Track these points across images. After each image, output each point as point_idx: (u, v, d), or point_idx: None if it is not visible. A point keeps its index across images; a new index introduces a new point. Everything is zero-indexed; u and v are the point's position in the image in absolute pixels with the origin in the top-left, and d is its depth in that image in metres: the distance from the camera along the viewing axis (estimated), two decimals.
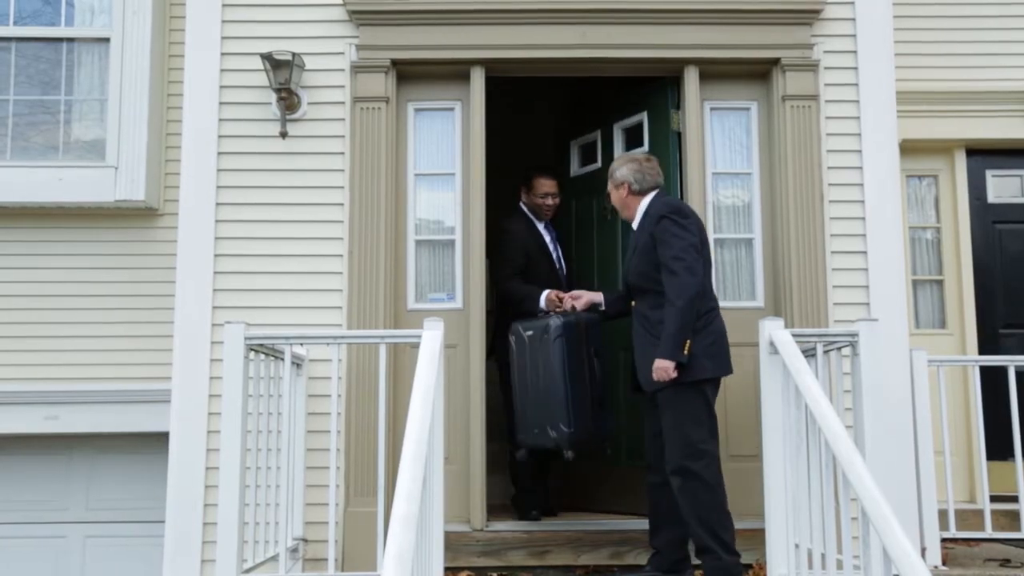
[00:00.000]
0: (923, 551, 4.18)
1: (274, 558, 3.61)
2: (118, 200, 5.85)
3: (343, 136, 4.74)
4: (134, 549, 6.01)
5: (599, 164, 5.28)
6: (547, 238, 5.06)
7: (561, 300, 4.53)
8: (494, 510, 4.72)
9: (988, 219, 6.23)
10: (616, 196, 4.16)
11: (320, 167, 4.72)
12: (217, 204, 4.64)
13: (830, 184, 4.74)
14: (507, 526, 4.58)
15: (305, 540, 4.24)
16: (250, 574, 3.44)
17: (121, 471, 6.15)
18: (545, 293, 4.66)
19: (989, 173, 6.27)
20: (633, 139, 5.16)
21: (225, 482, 3.40)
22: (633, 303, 4.02)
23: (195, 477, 4.35)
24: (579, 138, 5.52)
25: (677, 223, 3.90)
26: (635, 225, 4.08)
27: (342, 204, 4.69)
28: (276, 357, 3.78)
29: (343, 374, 4.45)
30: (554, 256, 5.06)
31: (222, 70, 4.75)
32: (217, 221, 4.63)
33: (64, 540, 6.15)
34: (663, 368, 3.75)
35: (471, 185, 4.84)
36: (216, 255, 4.60)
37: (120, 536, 6.09)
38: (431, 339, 3.29)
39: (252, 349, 3.53)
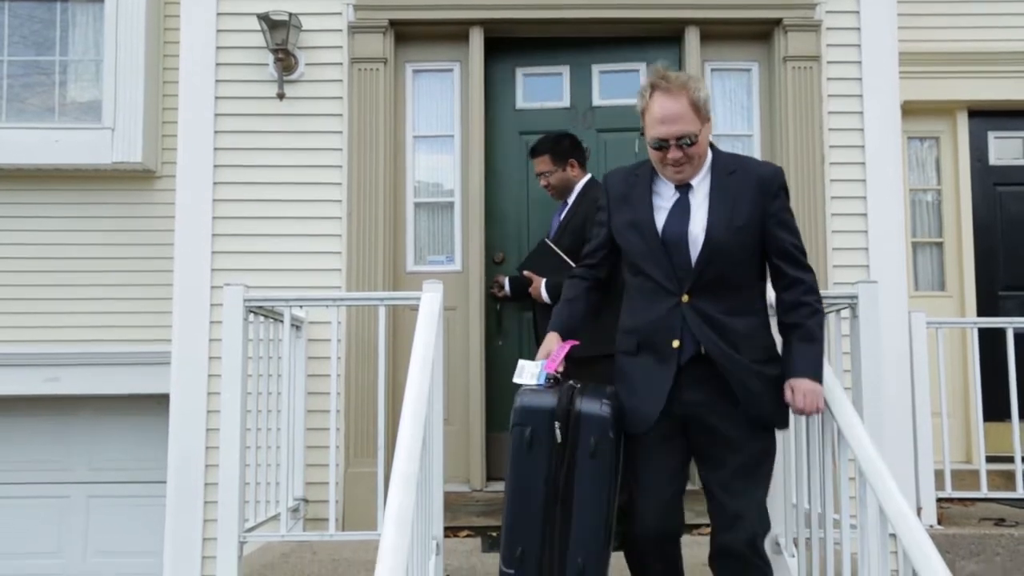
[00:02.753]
0: (919, 511, 4.22)
1: (275, 518, 3.64)
2: (115, 162, 5.83)
3: (341, 98, 4.70)
4: (136, 509, 6.07)
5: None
6: (554, 218, 4.52)
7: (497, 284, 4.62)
8: (494, 470, 4.74)
9: (989, 181, 6.21)
10: (700, 130, 2.72)
11: (318, 129, 4.69)
12: (215, 166, 4.62)
13: (831, 146, 4.71)
14: None
15: (306, 500, 4.27)
16: (252, 533, 3.47)
17: (122, 432, 6.19)
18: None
19: (991, 135, 6.23)
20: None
21: (226, 443, 3.41)
22: (685, 298, 2.68)
23: (196, 438, 4.37)
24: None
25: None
26: (698, 180, 2.77)
27: (340, 166, 4.67)
28: (275, 319, 3.78)
29: (342, 336, 4.45)
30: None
31: (218, 31, 4.70)
32: (215, 183, 4.61)
33: (68, 500, 6.21)
34: (816, 392, 2.70)
35: (470, 147, 4.82)
36: (214, 217, 4.58)
37: (123, 496, 6.15)
38: (430, 301, 3.29)
39: (251, 311, 3.52)
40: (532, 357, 4.66)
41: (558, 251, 4.23)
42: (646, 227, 2.74)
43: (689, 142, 2.68)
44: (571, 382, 2.72)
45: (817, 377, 2.71)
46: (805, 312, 2.73)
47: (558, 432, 2.64)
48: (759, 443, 2.72)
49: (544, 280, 4.22)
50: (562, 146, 4.36)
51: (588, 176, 4.38)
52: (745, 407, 2.68)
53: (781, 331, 2.79)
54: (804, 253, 2.79)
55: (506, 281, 4.62)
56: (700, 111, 2.70)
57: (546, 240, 4.35)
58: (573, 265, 4.10)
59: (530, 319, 4.70)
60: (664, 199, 2.79)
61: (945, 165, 6.21)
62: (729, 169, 2.78)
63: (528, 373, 2.76)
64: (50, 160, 5.88)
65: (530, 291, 4.31)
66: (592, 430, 2.63)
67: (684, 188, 2.77)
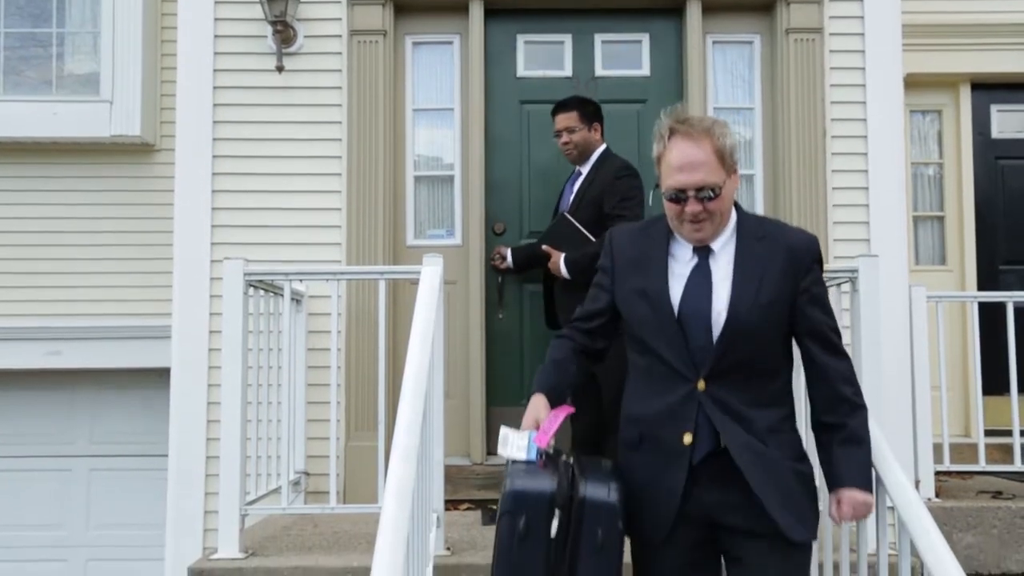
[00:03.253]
0: (917, 484, 4.23)
1: (276, 491, 3.66)
2: (114, 135, 5.82)
3: (340, 70, 4.68)
4: (138, 481, 6.11)
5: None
6: (565, 189, 4.44)
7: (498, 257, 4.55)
8: (494, 444, 4.76)
9: (991, 155, 6.19)
10: (724, 182, 2.33)
11: (317, 102, 4.66)
12: (214, 139, 4.60)
13: (833, 119, 4.69)
14: None
15: (307, 473, 4.29)
16: (253, 506, 3.49)
17: (124, 406, 6.21)
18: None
19: (994, 108, 6.20)
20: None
21: (227, 416, 3.42)
22: (702, 385, 2.29)
23: (197, 412, 4.39)
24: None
25: None
26: (721, 243, 2.37)
27: (340, 139, 4.65)
28: (275, 293, 3.78)
29: (343, 310, 4.46)
30: (558, 209, 4.46)
31: (216, 2, 4.66)
32: (214, 157, 4.59)
33: (70, 473, 6.25)
34: (868, 504, 2.35)
35: (470, 120, 4.79)
36: (214, 191, 4.57)
37: (124, 469, 6.19)
38: (430, 275, 3.28)
39: (251, 285, 3.52)
40: (533, 331, 4.75)
41: (578, 225, 4.17)
42: (659, 299, 2.32)
43: (711, 195, 2.27)
44: (565, 457, 2.29)
45: (868, 487, 2.33)
46: (845, 409, 2.33)
47: (555, 523, 2.19)
48: (793, 559, 2.31)
49: (563, 255, 4.15)
50: (590, 107, 4.31)
51: (605, 145, 4.33)
52: (773, 512, 2.24)
53: (817, 429, 2.40)
54: (839, 335, 2.40)
55: (508, 252, 4.58)
56: (725, 160, 2.30)
57: (566, 214, 4.26)
58: (592, 239, 4.10)
59: (534, 293, 4.69)
60: (681, 263, 2.37)
61: (947, 138, 6.18)
62: (757, 235, 2.36)
63: (514, 445, 2.28)
64: (48, 133, 5.86)
65: (549, 266, 4.23)
66: (599, 520, 2.20)
67: (704, 252, 2.35)
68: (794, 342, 2.40)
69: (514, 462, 2.25)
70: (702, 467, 2.28)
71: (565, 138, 4.28)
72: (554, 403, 2.38)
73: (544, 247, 4.23)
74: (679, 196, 2.28)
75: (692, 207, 2.27)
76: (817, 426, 2.39)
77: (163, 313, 4.91)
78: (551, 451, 2.26)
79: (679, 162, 2.28)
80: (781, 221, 2.62)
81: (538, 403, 2.38)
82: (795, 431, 2.38)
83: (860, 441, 2.33)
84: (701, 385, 2.28)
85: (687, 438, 2.27)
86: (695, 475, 2.28)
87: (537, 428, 2.30)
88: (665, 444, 2.30)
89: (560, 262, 4.14)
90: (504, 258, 4.58)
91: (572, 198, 4.29)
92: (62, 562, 6.18)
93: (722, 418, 2.26)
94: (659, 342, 2.32)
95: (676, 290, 2.33)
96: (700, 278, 2.33)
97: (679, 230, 2.35)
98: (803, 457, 2.36)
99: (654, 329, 2.33)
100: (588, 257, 4.02)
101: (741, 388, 2.28)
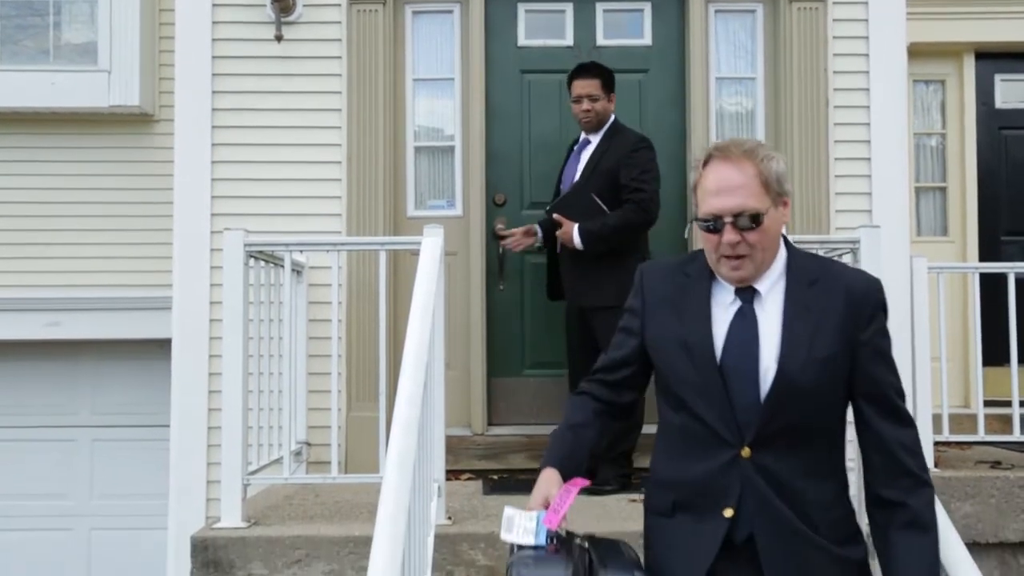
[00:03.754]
0: None
1: (278, 461, 3.67)
2: (112, 105, 5.79)
3: (340, 40, 4.64)
4: (141, 452, 6.14)
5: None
6: (571, 157, 4.35)
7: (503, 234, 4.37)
8: (495, 414, 4.77)
9: (994, 125, 6.16)
10: (767, 210, 1.98)
11: (317, 71, 4.63)
12: (213, 110, 4.57)
13: (835, 89, 4.66)
14: (507, 430, 4.65)
15: (308, 444, 4.31)
16: (255, 476, 3.51)
17: (125, 376, 6.23)
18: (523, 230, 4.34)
19: (998, 77, 6.16)
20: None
21: (228, 387, 3.43)
22: (746, 452, 1.97)
23: (198, 383, 4.40)
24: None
25: None
26: (768, 285, 2.04)
27: (340, 110, 4.62)
28: (276, 264, 3.78)
29: (343, 281, 4.45)
30: (563, 183, 4.36)
31: None
32: (214, 127, 4.56)
33: (73, 443, 6.29)
34: None
35: (471, 90, 4.77)
36: (213, 161, 4.55)
37: (127, 440, 6.22)
38: (431, 246, 3.28)
39: (252, 256, 3.51)
40: (534, 302, 4.75)
41: (596, 199, 4.06)
42: (700, 348, 2.00)
43: (751, 223, 1.94)
44: (579, 540, 1.97)
45: None
46: (907, 484, 1.97)
47: None
48: None
49: (576, 224, 4.04)
50: (610, 75, 4.25)
51: (614, 115, 4.29)
52: None
53: (872, 505, 2.04)
54: (904, 397, 2.05)
55: (538, 229, 4.33)
56: (770, 187, 1.97)
57: (592, 195, 4.10)
58: (607, 210, 4.04)
59: (535, 264, 4.69)
60: (721, 308, 2.04)
61: (950, 109, 6.15)
62: (810, 277, 2.02)
63: (520, 528, 1.95)
64: (46, 103, 5.83)
65: (559, 235, 4.13)
66: None
67: (748, 293, 2.02)
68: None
69: (520, 547, 1.93)
70: (743, 546, 1.97)
71: (587, 105, 4.18)
72: (567, 476, 2.04)
73: (555, 216, 4.14)
74: (714, 224, 1.97)
75: (729, 236, 1.95)
76: (873, 502, 2.03)
77: (164, 284, 4.91)
78: (563, 533, 1.95)
79: (715, 185, 1.98)
80: (837, 261, 2.29)
81: (548, 479, 2.03)
82: (850, 505, 2.06)
83: (925, 528, 1.96)
84: (746, 452, 1.96)
85: (728, 512, 1.97)
86: (733, 554, 1.97)
87: (546, 507, 1.96)
88: (703, 514, 1.99)
89: (574, 231, 4.05)
90: (535, 233, 4.34)
91: (582, 167, 4.22)
92: (66, 531, 6.23)
93: (767, 491, 1.95)
94: (698, 400, 2.01)
95: (718, 339, 2.01)
96: (744, 326, 2.01)
97: (717, 268, 2.03)
98: (856, 536, 2.04)
99: (693, 384, 2.01)
100: (607, 228, 4.01)
101: (792, 455, 1.97)
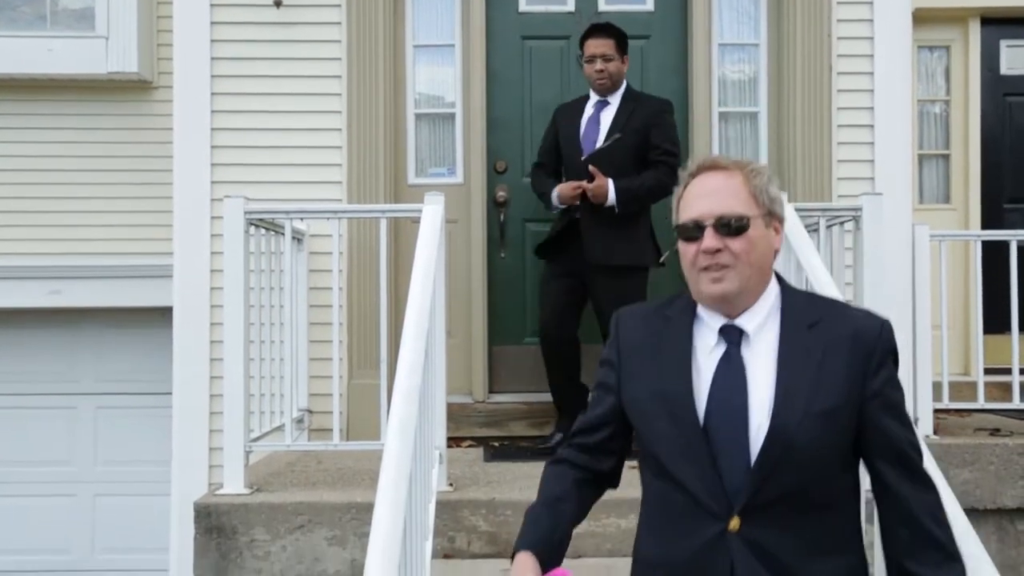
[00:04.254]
0: (915, 421, 4.27)
1: (280, 428, 3.69)
2: (111, 72, 5.75)
3: (339, 6, 4.59)
4: (144, 419, 6.17)
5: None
6: (587, 118, 4.19)
7: (578, 195, 3.97)
8: (496, 382, 4.79)
9: (999, 91, 6.11)
10: (752, 219, 1.76)
11: (316, 38, 4.59)
12: (212, 76, 4.54)
13: (839, 55, 4.63)
14: (508, 398, 4.66)
15: (310, 411, 4.33)
16: (257, 443, 3.52)
17: (127, 344, 6.25)
18: (556, 190, 4.09)
19: (1003, 43, 6.10)
20: None
21: (229, 355, 3.44)
22: (735, 523, 1.69)
23: (200, 350, 4.41)
24: None
25: None
26: (757, 323, 1.78)
27: (340, 76, 4.59)
28: (276, 232, 3.77)
29: (344, 249, 4.45)
30: (582, 144, 4.15)
31: None
32: (213, 94, 4.54)
33: (75, 411, 6.31)
34: None
35: (471, 56, 4.73)
36: (213, 129, 4.53)
37: (130, 407, 6.24)
38: (432, 213, 3.27)
39: (252, 223, 3.51)
40: (535, 270, 4.74)
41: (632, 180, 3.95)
42: (680, 402, 1.74)
43: (734, 227, 1.71)
44: None
45: None
46: (937, 559, 1.70)
47: None
48: None
49: (610, 179, 3.93)
50: (624, 36, 4.16)
51: (626, 80, 4.26)
52: None
53: None
54: (921, 454, 1.77)
55: (610, 185, 3.95)
56: (758, 199, 1.75)
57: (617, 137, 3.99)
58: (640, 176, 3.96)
59: (535, 232, 4.67)
60: (705, 354, 1.78)
61: (955, 75, 6.09)
62: (809, 319, 1.76)
63: None
64: (44, 70, 5.79)
65: (591, 188, 3.91)
66: None
67: (733, 334, 1.76)
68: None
69: None
70: None
71: (600, 65, 4.10)
72: (546, 562, 1.76)
73: (591, 167, 3.93)
74: (694, 231, 1.74)
75: (709, 242, 1.71)
76: (896, 569, 1.75)
77: (165, 252, 4.90)
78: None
79: (700, 190, 1.77)
80: (839, 300, 2.02)
81: (524, 564, 1.75)
82: None
83: None
84: (735, 524, 1.68)
85: None
86: None
87: None
88: None
89: (609, 187, 3.92)
90: (604, 194, 3.94)
91: (607, 128, 4.12)
92: (71, 497, 6.27)
93: (760, 572, 1.66)
94: (679, 463, 1.73)
95: (701, 390, 1.74)
96: (730, 373, 1.74)
97: (696, 288, 1.77)
98: None
99: (673, 445, 1.74)
100: (643, 189, 3.97)
101: (791, 529, 1.68)
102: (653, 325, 1.85)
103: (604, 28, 4.16)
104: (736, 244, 1.71)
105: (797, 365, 1.71)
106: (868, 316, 1.82)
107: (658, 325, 1.84)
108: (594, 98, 4.21)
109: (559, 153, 4.27)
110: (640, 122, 4.07)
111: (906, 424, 1.76)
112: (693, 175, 1.80)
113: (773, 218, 1.78)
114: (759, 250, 1.74)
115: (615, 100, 4.17)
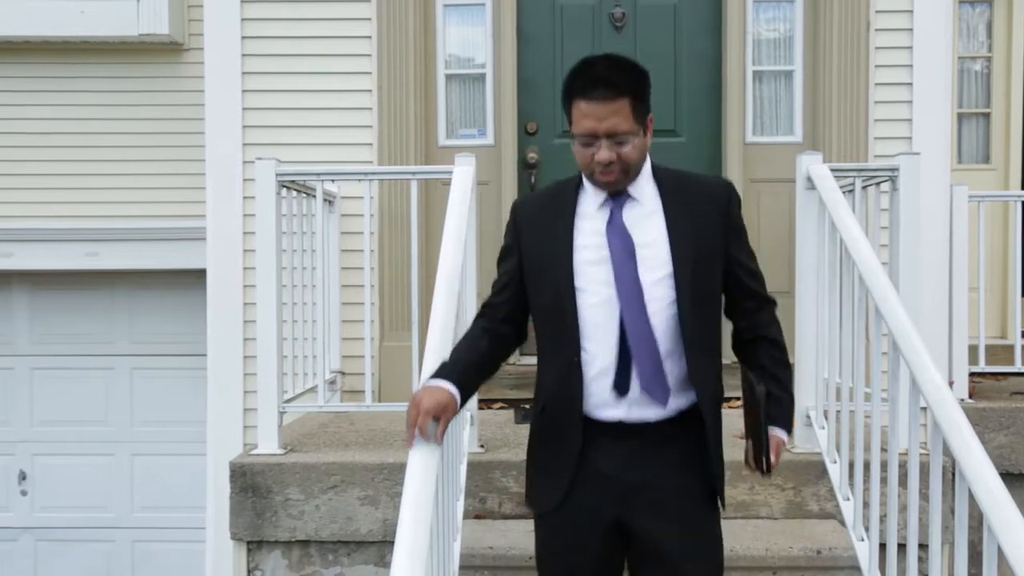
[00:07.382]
0: (951, 384, 4.23)
1: (313, 389, 3.72)
2: (142, 34, 5.76)
3: None
4: (179, 380, 6.26)
5: None
6: (590, 226, 2.17)
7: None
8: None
9: None
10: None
11: None
12: (243, 38, 4.53)
13: (877, 11, 4.52)
14: None
15: (342, 373, 4.36)
16: (291, 404, 3.56)
17: (162, 306, 6.32)
18: None
19: None
20: None
21: (262, 317, 3.46)
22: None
23: (233, 313, 4.45)
24: None
25: None
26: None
27: (370, 37, 4.56)
28: (308, 194, 3.78)
29: (375, 211, 4.45)
30: (589, 278, 2.16)
31: None
32: (244, 55, 4.53)
33: (112, 372, 6.41)
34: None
35: (502, 16, 4.68)
36: (244, 91, 4.53)
37: (165, 368, 6.33)
38: (463, 175, 3.26)
39: (284, 186, 3.51)
40: None
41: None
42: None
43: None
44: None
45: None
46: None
47: None
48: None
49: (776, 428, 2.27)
50: (646, 81, 2.14)
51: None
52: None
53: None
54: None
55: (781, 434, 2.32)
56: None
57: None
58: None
59: None
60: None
61: (997, 30, 5.94)
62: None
63: None
64: (76, 32, 5.81)
65: (775, 464, 2.20)
66: None
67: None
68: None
69: None
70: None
71: (606, 155, 2.07)
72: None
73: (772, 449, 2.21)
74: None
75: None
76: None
77: (197, 215, 4.93)
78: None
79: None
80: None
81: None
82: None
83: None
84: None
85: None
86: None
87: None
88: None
89: (782, 436, 2.28)
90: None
91: (629, 242, 2.13)
92: (109, 456, 6.39)
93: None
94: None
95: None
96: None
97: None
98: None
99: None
100: (790, 395, 2.35)
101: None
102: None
103: (607, 80, 2.08)
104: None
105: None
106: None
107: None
108: (597, 193, 2.20)
109: (522, 286, 2.28)
110: (707, 231, 2.17)
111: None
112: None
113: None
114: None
115: (641, 193, 2.18)
